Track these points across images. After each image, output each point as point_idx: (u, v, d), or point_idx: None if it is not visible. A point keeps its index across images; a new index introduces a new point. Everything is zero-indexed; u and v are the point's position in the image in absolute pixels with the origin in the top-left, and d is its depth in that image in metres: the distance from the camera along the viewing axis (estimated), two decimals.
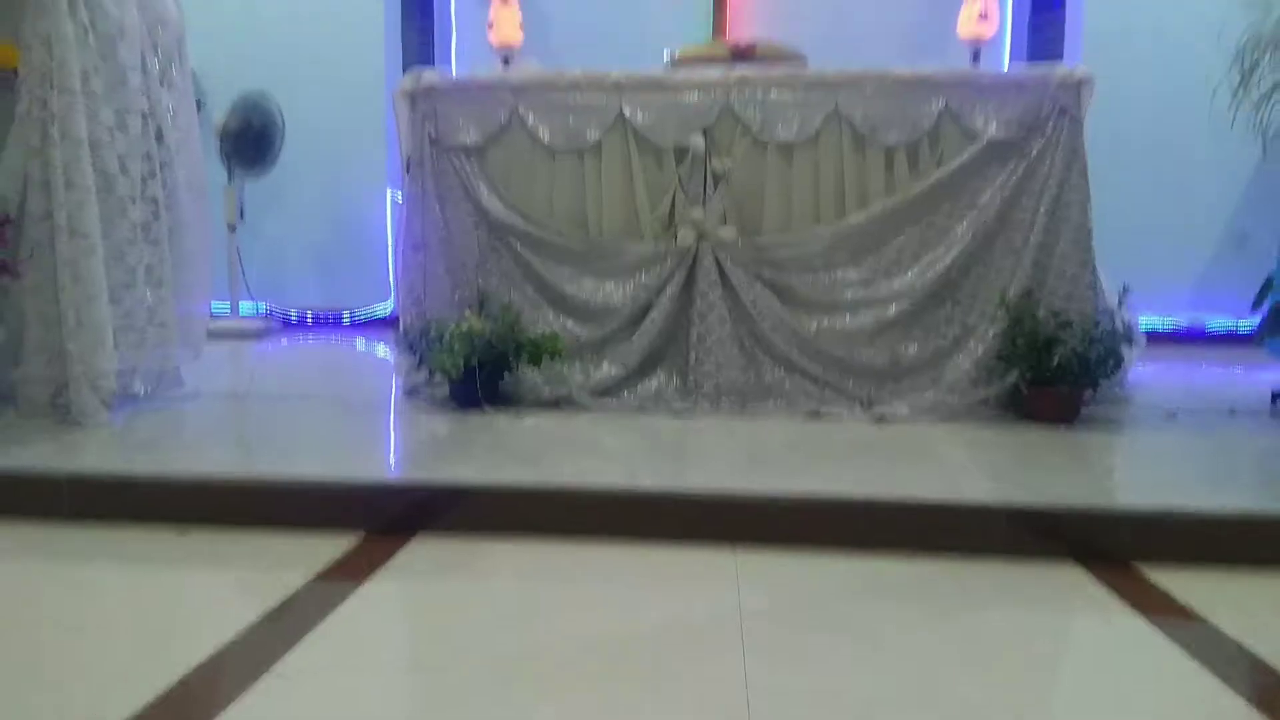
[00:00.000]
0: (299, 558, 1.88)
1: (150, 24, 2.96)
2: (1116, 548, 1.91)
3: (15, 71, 2.67)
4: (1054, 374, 2.75)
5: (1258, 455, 2.57)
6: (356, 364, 4.62)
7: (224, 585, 1.81)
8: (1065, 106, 3.01)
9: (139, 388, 2.97)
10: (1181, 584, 1.78)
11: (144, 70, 2.90)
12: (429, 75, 3.24)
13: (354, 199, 5.81)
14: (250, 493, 2.15)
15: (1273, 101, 4.39)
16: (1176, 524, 1.93)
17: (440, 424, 2.79)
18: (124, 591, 1.79)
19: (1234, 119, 4.38)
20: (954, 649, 1.52)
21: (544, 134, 3.17)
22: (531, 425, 2.78)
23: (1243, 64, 4.26)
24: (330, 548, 1.95)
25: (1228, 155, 4.89)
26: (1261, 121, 4.40)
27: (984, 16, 5.52)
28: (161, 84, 3.00)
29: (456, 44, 6.34)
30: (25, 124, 2.62)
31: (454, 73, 5.74)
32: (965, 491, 2.12)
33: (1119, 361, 2.79)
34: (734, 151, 3.11)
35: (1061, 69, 3.06)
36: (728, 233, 3.08)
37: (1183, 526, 1.92)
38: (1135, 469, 2.52)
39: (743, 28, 6.13)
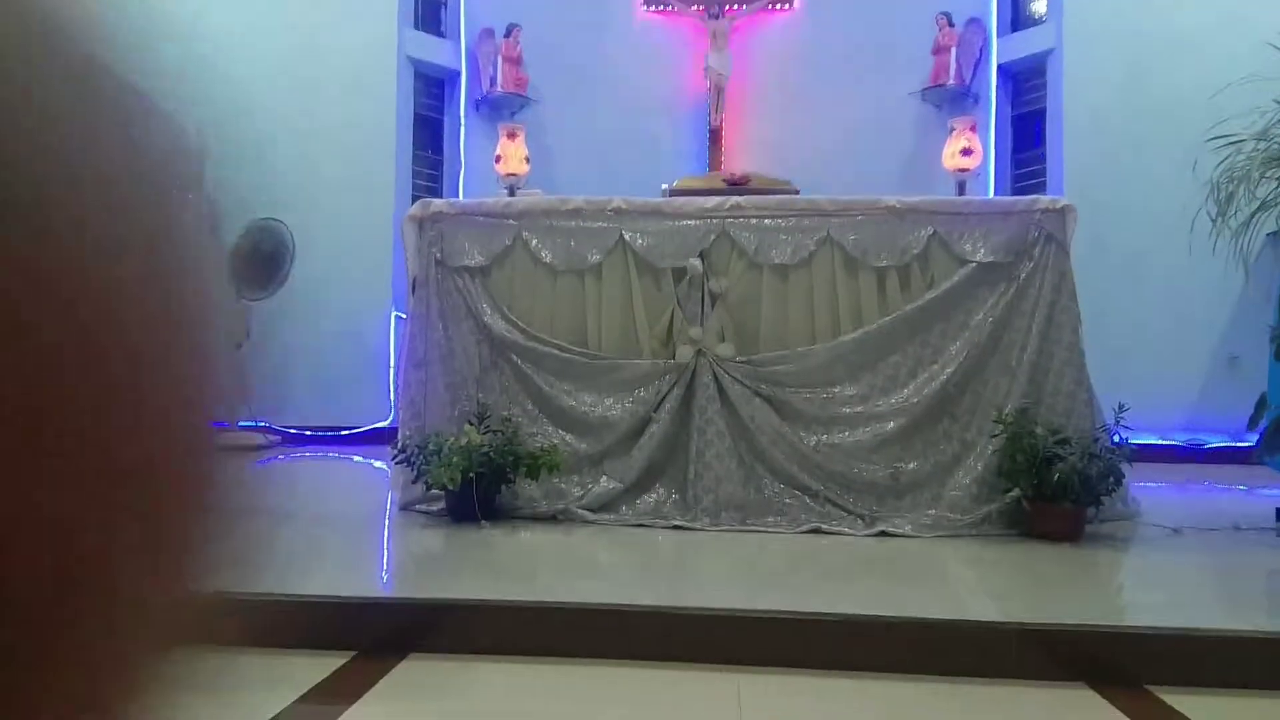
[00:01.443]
0: (284, 679, 1.81)
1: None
2: (1130, 670, 1.84)
3: None
4: (1055, 490, 2.73)
5: (1268, 573, 2.52)
6: (353, 478, 4.58)
7: (205, 708, 1.74)
8: (1051, 232, 3.13)
9: None
10: (1199, 708, 1.71)
11: None
12: (437, 203, 3.38)
13: (357, 319, 5.93)
14: (235, 612, 2.09)
15: (1251, 230, 4.55)
16: (1192, 645, 1.87)
17: (435, 539, 2.75)
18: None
19: (1215, 246, 4.53)
20: None
21: (546, 255, 3.27)
22: (528, 540, 2.73)
23: (1218, 196, 4.45)
24: (318, 669, 1.88)
25: (1212, 280, 5.02)
26: (1242, 249, 4.55)
27: (968, 151, 5.80)
28: None
29: (465, 175, 6.64)
30: None
31: (460, 201, 5.97)
32: (973, 611, 2.07)
33: (1119, 478, 2.78)
34: (730, 273, 3.20)
35: (1045, 198, 3.20)
36: (725, 349, 3.14)
37: (1199, 648, 1.86)
38: (1145, 588, 2.46)
39: (737, 161, 6.44)
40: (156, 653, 0.24)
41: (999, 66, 6.37)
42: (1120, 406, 2.92)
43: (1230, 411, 4.62)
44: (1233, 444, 5.06)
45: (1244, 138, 4.45)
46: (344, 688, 1.80)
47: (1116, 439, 2.83)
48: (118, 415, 0.22)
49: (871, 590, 2.28)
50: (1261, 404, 3.29)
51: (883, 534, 2.84)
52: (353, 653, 1.97)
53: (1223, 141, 4.40)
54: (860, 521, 2.93)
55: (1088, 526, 2.80)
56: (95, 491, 0.21)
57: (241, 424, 5.42)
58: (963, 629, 1.94)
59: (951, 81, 6.32)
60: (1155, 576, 2.51)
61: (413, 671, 1.89)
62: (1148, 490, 3.21)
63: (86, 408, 0.21)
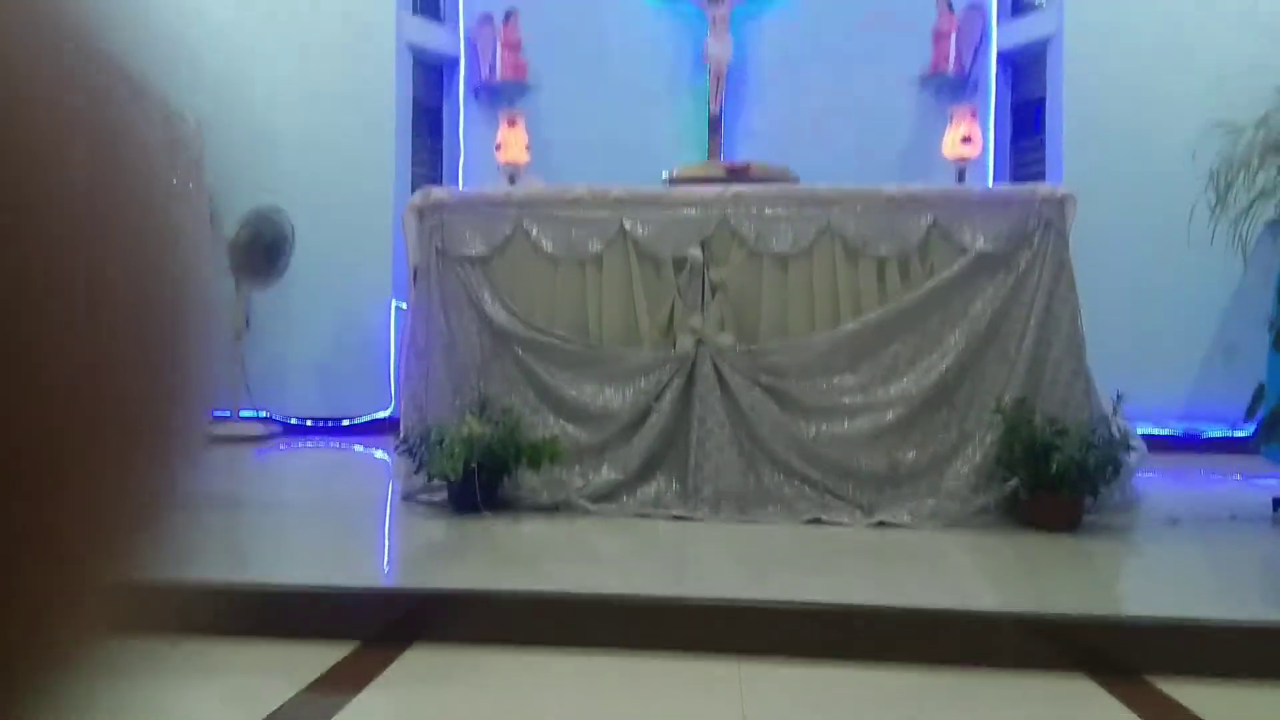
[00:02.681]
0: (290, 669, 1.83)
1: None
2: (1128, 659, 1.86)
3: None
4: (1053, 481, 2.75)
5: (1264, 563, 2.54)
6: (354, 469, 4.59)
7: (212, 697, 1.76)
8: (1050, 221, 3.13)
9: None
10: (1197, 698, 1.72)
11: None
12: (438, 192, 3.37)
13: (358, 309, 5.93)
14: (242, 601, 2.10)
15: (1249, 219, 4.56)
16: (1190, 635, 1.89)
17: (437, 529, 2.77)
18: (107, 704, 1.73)
19: (1213, 235, 4.54)
20: None
21: (547, 245, 3.27)
22: (530, 530, 2.75)
23: (1218, 184, 4.45)
24: (322, 658, 1.89)
25: (1210, 269, 5.02)
26: (1241, 237, 4.56)
27: (967, 140, 5.79)
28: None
29: (465, 163, 6.62)
30: None
31: (461, 190, 5.95)
32: (971, 601, 2.08)
33: (1117, 468, 2.79)
34: (730, 262, 3.20)
35: (1045, 186, 3.20)
36: (726, 339, 3.14)
37: (1197, 637, 1.88)
38: (1142, 578, 2.48)
39: (736, 148, 6.42)
40: (81, 639, 0.23)
41: (999, 53, 6.34)
42: (1118, 396, 2.93)
43: (1228, 400, 4.63)
44: (1231, 433, 5.07)
45: (1244, 126, 4.45)
46: (348, 677, 1.82)
47: (1122, 429, 2.83)
48: (69, 397, 0.21)
49: (871, 579, 2.29)
50: (1259, 394, 3.30)
51: (881, 524, 2.85)
52: (357, 642, 1.98)
53: (1223, 129, 4.40)
54: (859, 511, 2.95)
55: (1086, 516, 2.82)
56: (34, 470, 0.21)
57: (241, 414, 5.43)
58: (961, 618, 1.96)
59: (951, 68, 6.30)
60: (1153, 566, 2.53)
61: (417, 661, 1.91)
62: (1145, 480, 3.23)
63: (40, 388, 0.20)
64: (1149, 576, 2.47)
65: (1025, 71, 6.36)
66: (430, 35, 6.52)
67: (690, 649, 1.93)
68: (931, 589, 2.18)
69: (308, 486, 3.98)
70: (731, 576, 2.34)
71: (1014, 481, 2.84)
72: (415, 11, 6.47)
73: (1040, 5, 6.22)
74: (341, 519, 3.00)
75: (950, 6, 6.30)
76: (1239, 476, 4.10)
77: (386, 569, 2.54)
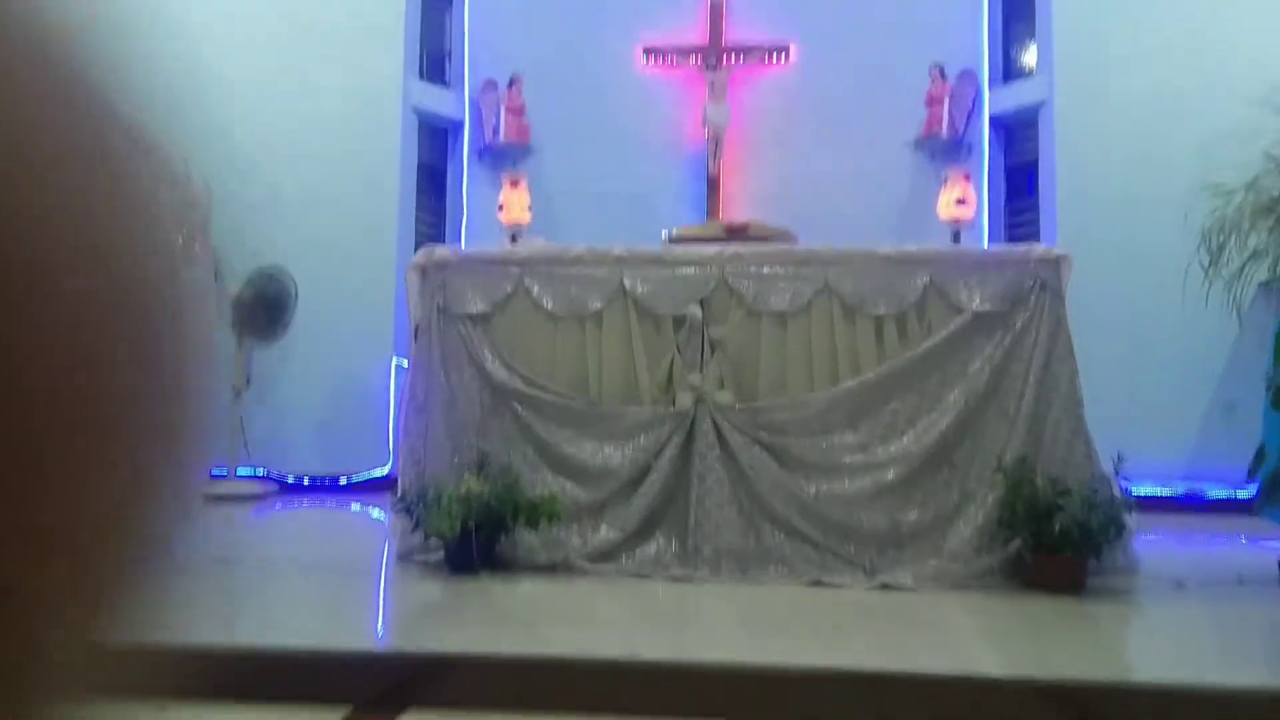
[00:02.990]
0: None
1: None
2: None
3: None
4: (1057, 542, 2.72)
5: (1273, 628, 2.50)
6: (351, 528, 4.55)
7: None
8: (1046, 281, 3.16)
9: None
10: None
11: None
12: (440, 251, 3.42)
13: (358, 366, 5.94)
14: (233, 664, 2.06)
15: (1243, 279, 4.61)
16: (1199, 702, 1.85)
17: (434, 589, 2.73)
18: None
19: (1208, 296, 4.58)
20: None
21: (547, 302, 3.30)
22: (527, 591, 2.71)
23: (1210, 245, 4.51)
24: None
25: (1206, 329, 5.05)
26: (1235, 298, 4.60)
27: (962, 201, 5.88)
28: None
29: (468, 223, 6.72)
30: None
31: (464, 249, 6.01)
32: (977, 665, 2.05)
33: (1120, 529, 2.77)
34: (729, 321, 3.22)
35: (1040, 247, 3.24)
36: (725, 396, 3.14)
37: (1205, 704, 1.84)
38: (1150, 642, 2.44)
39: (736, 209, 6.52)
40: (56, 700, 0.23)
41: (991, 118, 6.49)
42: (1119, 457, 2.92)
43: (1229, 460, 4.61)
44: (1234, 494, 5.03)
45: (1234, 188, 4.53)
46: None
47: (1120, 491, 2.82)
48: (67, 452, 0.21)
49: (874, 643, 2.26)
50: (1260, 454, 3.29)
51: (884, 586, 2.81)
52: (350, 706, 1.94)
53: (1214, 192, 4.48)
54: (861, 572, 2.91)
55: (1089, 579, 2.78)
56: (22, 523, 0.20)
57: (239, 472, 5.40)
58: (966, 684, 1.92)
59: (945, 132, 6.43)
60: (1160, 630, 2.49)
61: None
62: (1148, 541, 3.20)
63: (39, 440, 0.21)
64: (1156, 641, 2.43)
65: (1018, 135, 6.49)
66: (436, 100, 6.68)
67: (690, 715, 1.89)
68: (936, 653, 2.14)
69: (303, 545, 3.93)
70: (733, 640, 2.30)
71: (1017, 542, 2.81)
72: (421, 76, 6.64)
73: (1032, 71, 6.39)
74: (336, 579, 2.96)
75: (943, 73, 6.46)
76: (1243, 539, 4.05)
77: (381, 631, 2.50)
